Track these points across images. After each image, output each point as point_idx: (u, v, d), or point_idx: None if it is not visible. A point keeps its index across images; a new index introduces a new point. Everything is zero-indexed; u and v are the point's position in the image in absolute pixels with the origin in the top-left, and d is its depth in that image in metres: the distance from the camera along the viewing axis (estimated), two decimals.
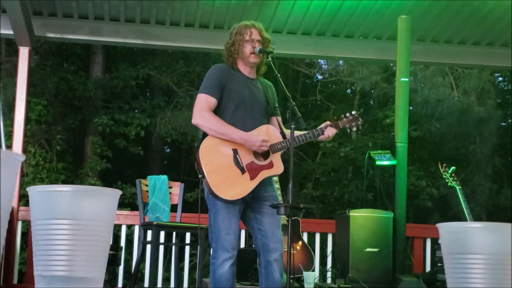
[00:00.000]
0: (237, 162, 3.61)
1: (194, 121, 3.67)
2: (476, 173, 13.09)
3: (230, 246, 3.58)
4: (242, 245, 6.13)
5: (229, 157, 3.61)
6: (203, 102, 3.66)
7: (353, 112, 3.88)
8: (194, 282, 7.27)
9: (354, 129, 3.89)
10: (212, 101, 3.67)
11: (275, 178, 3.88)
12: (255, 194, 3.67)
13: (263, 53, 3.73)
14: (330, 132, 3.77)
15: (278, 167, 3.68)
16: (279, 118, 3.86)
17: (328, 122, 3.81)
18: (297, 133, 3.66)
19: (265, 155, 3.67)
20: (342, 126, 3.85)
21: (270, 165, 3.66)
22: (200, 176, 3.59)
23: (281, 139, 3.69)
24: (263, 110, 3.79)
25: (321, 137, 3.79)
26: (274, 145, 3.67)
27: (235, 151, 3.62)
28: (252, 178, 3.60)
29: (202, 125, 3.63)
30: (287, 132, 3.70)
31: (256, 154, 3.65)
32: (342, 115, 3.88)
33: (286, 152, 3.64)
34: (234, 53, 3.77)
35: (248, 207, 3.71)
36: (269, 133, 3.71)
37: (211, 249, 3.68)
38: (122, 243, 6.18)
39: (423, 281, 5.31)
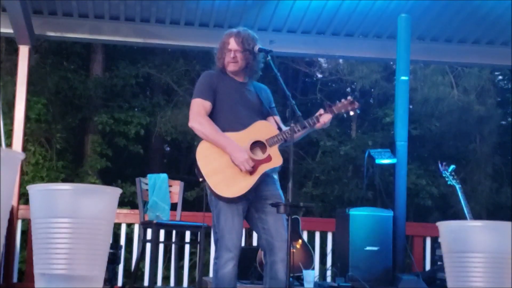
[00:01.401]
0: None
1: (190, 124, 3.71)
2: (476, 171, 13.11)
3: (233, 245, 3.60)
4: (242, 244, 6.13)
5: (226, 155, 3.61)
6: (199, 106, 3.70)
7: (349, 97, 3.84)
8: (194, 280, 7.28)
9: (352, 113, 3.84)
10: (207, 104, 3.71)
11: (276, 177, 3.87)
12: (258, 193, 3.67)
13: (262, 52, 3.74)
14: (326, 118, 3.72)
15: (277, 160, 3.66)
16: (277, 117, 3.85)
17: (322, 110, 3.77)
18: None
19: (263, 149, 3.66)
20: (338, 111, 3.79)
21: (268, 159, 3.65)
22: (200, 179, 3.61)
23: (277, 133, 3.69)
24: (257, 111, 3.79)
25: (317, 125, 3.74)
26: (271, 139, 3.66)
27: None
28: (251, 173, 3.61)
29: (197, 130, 3.67)
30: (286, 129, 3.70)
31: (253, 149, 3.65)
32: (337, 101, 3.82)
33: (286, 151, 3.63)
34: (220, 60, 3.82)
35: (251, 206, 3.71)
36: (264, 128, 3.71)
37: (214, 249, 3.68)
38: (122, 241, 6.18)
39: (423, 280, 5.30)
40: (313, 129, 3.79)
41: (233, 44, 3.77)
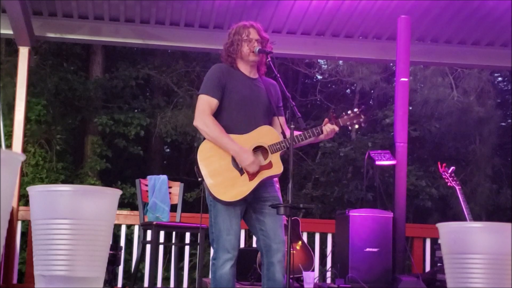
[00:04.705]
0: (235, 164, 3.59)
1: (195, 123, 3.69)
2: (476, 173, 13.10)
3: (231, 246, 3.58)
4: (242, 245, 6.13)
5: (227, 158, 3.60)
6: (205, 105, 3.66)
7: (355, 110, 3.81)
8: (194, 282, 7.27)
9: (356, 126, 3.79)
10: (213, 102, 3.67)
11: (275, 178, 3.86)
12: (256, 195, 3.66)
13: (262, 53, 3.72)
14: (330, 129, 3.70)
15: (278, 167, 3.64)
16: (282, 118, 3.81)
17: (327, 119, 3.74)
18: (296, 132, 3.63)
19: (265, 155, 3.66)
20: (343, 124, 3.77)
21: (269, 166, 3.63)
22: (199, 179, 3.60)
23: (280, 140, 3.68)
24: (265, 110, 3.76)
25: (321, 137, 3.74)
26: (273, 145, 3.64)
27: None
28: (251, 178, 3.59)
29: (201, 130, 3.65)
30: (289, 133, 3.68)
31: (255, 153, 3.64)
32: (343, 113, 3.80)
33: (286, 152, 3.63)
34: (233, 53, 3.76)
35: (249, 208, 3.70)
36: (268, 133, 3.69)
37: (212, 250, 3.67)
38: (122, 243, 6.19)
39: (423, 281, 5.30)
40: (316, 138, 3.76)
41: (254, 34, 3.76)
